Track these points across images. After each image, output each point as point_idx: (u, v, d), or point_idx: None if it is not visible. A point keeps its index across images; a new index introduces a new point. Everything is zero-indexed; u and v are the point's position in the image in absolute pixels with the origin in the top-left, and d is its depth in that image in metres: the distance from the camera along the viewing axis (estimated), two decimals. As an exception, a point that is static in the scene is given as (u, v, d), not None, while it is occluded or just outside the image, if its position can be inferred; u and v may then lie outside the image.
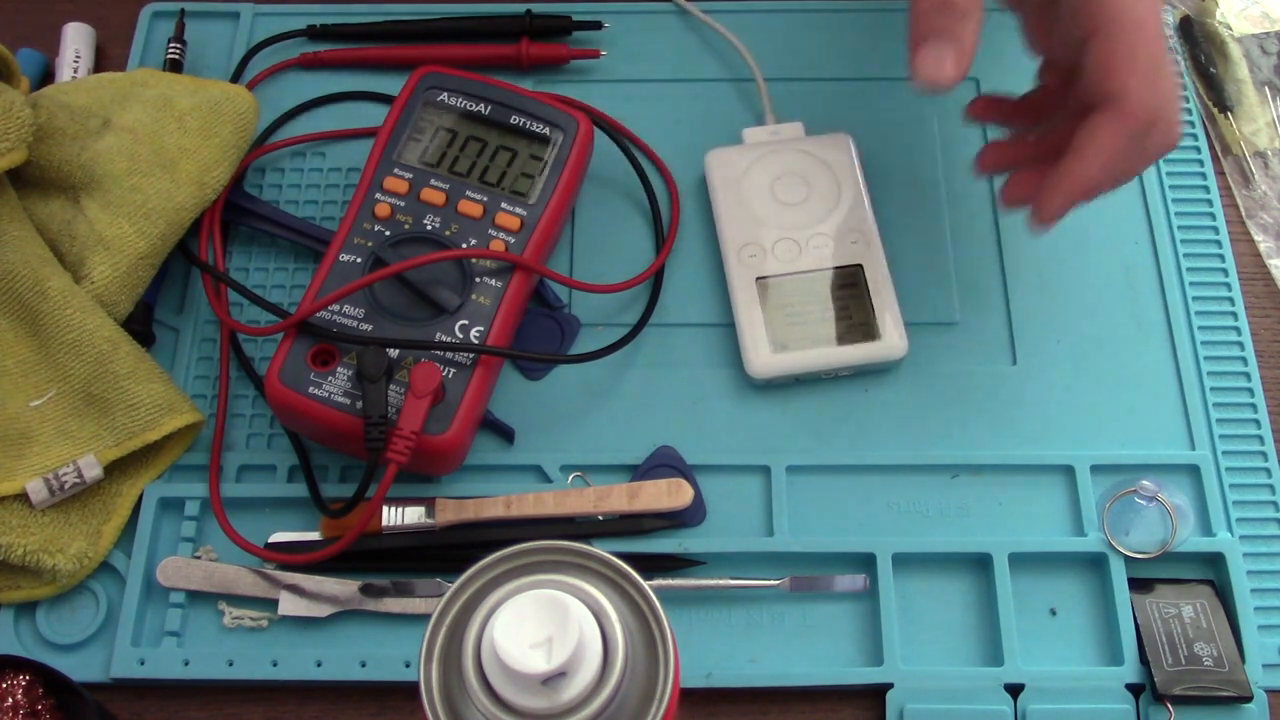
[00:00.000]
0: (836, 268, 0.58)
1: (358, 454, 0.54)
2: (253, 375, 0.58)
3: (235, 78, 0.65)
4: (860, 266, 0.58)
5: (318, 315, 0.53)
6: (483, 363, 0.53)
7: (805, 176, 0.60)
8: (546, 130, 0.58)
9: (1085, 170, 0.48)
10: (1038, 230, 0.51)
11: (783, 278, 0.58)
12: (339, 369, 0.52)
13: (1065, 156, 0.49)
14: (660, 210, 0.62)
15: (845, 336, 0.57)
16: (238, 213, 0.61)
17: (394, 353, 0.52)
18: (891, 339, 0.57)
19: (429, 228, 0.55)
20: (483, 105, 0.58)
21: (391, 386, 0.52)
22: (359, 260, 0.54)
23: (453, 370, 0.52)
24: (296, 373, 0.52)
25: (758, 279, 0.58)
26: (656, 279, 0.60)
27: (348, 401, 0.52)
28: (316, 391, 0.52)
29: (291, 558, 0.53)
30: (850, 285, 0.58)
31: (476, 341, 0.53)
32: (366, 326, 0.53)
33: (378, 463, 0.51)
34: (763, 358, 0.57)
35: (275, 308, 0.56)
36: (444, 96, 0.58)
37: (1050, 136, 0.53)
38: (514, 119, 0.58)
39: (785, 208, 0.60)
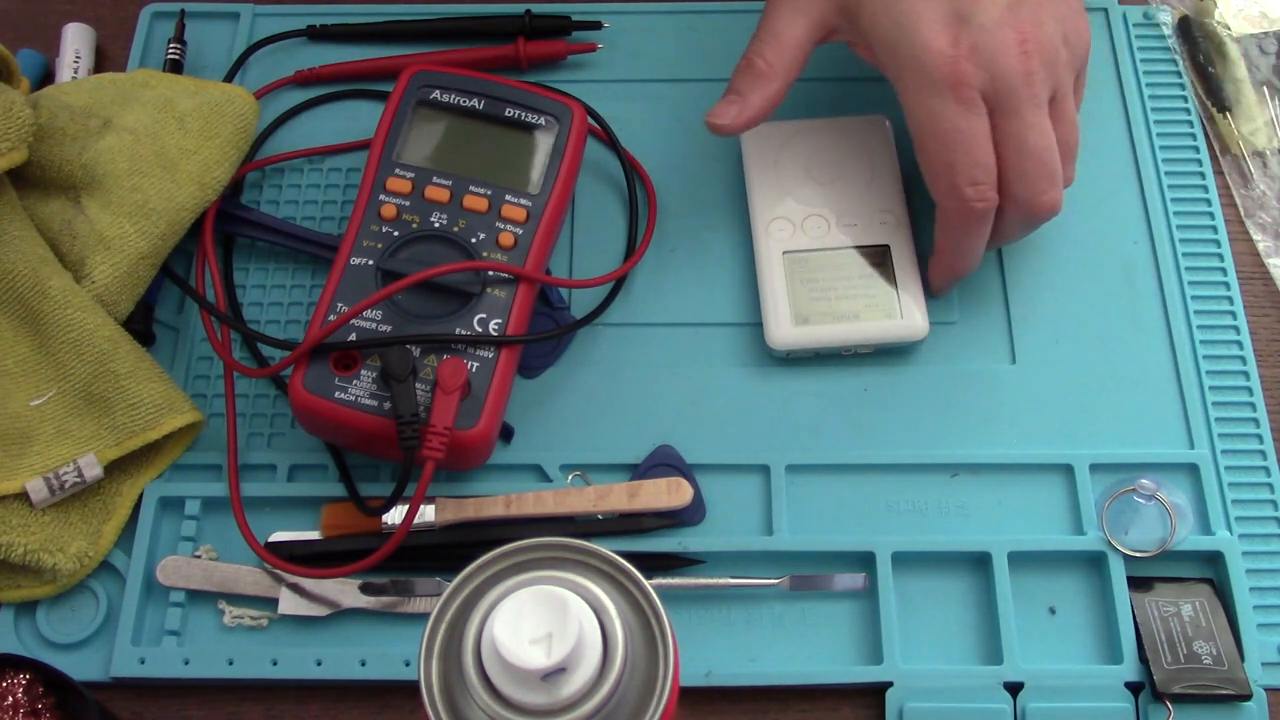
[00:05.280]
0: (864, 246, 0.59)
1: (387, 455, 0.54)
2: (250, 373, 0.57)
3: (231, 75, 0.65)
4: (888, 246, 0.58)
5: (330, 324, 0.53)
6: (505, 354, 0.53)
7: (841, 155, 0.61)
8: (542, 120, 0.58)
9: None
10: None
11: (809, 253, 0.58)
12: (362, 371, 0.52)
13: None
14: (657, 202, 0.62)
15: (867, 313, 0.57)
16: (238, 224, 0.61)
17: (415, 350, 0.52)
18: (913, 318, 0.57)
19: (436, 225, 0.55)
20: (476, 100, 0.58)
21: (416, 385, 0.52)
22: (370, 263, 0.54)
23: (475, 364, 0.53)
24: (320, 379, 0.52)
25: (784, 252, 0.58)
26: (618, 283, 0.60)
27: (375, 403, 0.52)
28: (343, 396, 0.52)
29: (336, 571, 0.52)
30: (876, 264, 0.58)
31: (496, 334, 0.53)
32: (385, 327, 0.53)
33: (414, 462, 0.51)
34: (784, 329, 0.57)
35: (283, 343, 0.56)
36: (436, 94, 0.58)
37: None
38: (508, 111, 0.58)
39: (818, 184, 0.60)
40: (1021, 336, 0.59)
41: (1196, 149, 0.64)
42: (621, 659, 0.35)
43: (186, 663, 0.52)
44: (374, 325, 0.53)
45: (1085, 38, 0.54)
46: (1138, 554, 0.54)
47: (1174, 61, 0.66)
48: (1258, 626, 0.53)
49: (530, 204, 0.56)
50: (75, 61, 0.66)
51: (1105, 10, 0.68)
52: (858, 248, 0.59)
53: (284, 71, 0.66)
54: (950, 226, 0.55)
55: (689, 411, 0.57)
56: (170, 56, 0.65)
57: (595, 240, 0.61)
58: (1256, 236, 0.63)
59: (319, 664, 0.52)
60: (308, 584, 0.53)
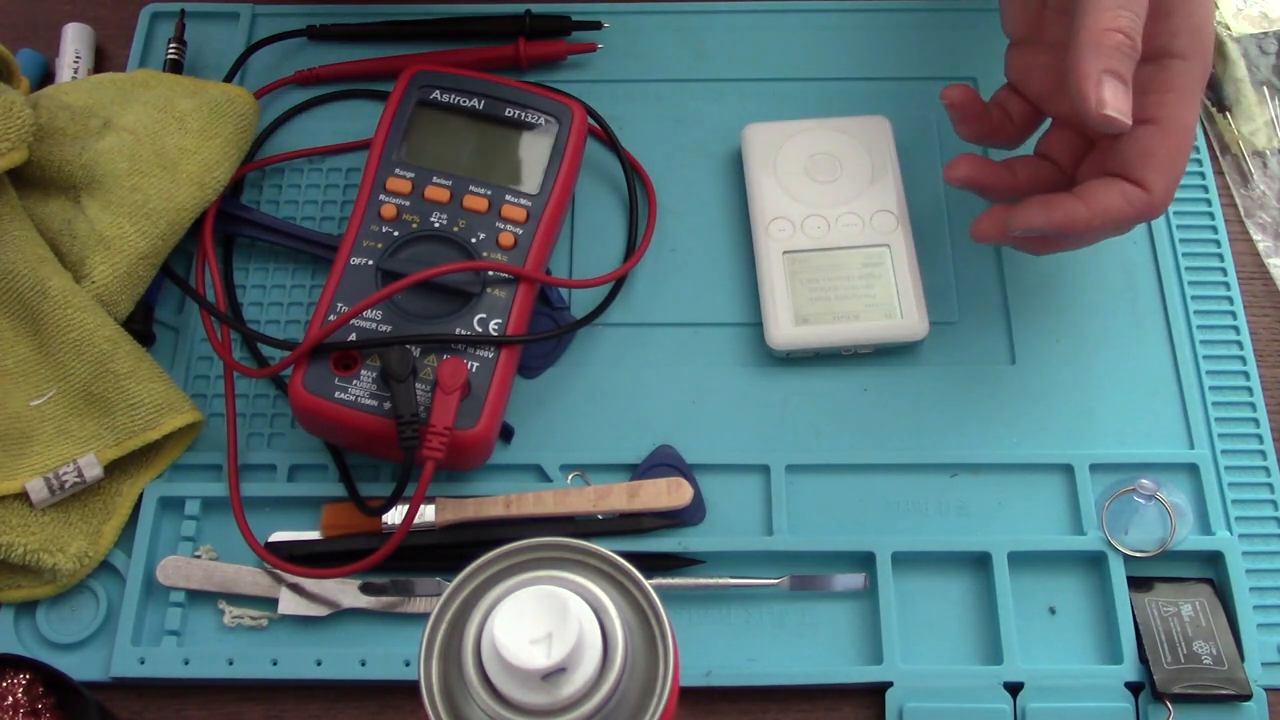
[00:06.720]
0: (864, 246, 0.59)
1: (387, 455, 0.54)
2: (250, 373, 0.57)
3: (231, 74, 0.65)
4: (888, 246, 0.59)
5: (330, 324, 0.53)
6: (505, 354, 0.53)
7: (841, 155, 0.61)
8: (542, 120, 0.58)
9: (1080, 214, 0.50)
10: (977, 238, 0.53)
11: (810, 253, 0.58)
12: (362, 371, 0.52)
13: (1066, 194, 0.51)
14: (657, 202, 0.62)
15: (867, 313, 0.57)
16: (238, 224, 0.61)
17: (415, 350, 0.52)
18: (913, 318, 0.57)
19: (436, 225, 0.55)
20: (476, 100, 0.58)
21: (416, 385, 0.52)
22: (370, 263, 0.54)
23: (475, 364, 0.53)
24: (320, 379, 0.52)
25: (784, 252, 0.59)
26: (618, 283, 0.60)
27: (375, 403, 0.52)
28: (343, 396, 0.52)
29: (336, 571, 0.52)
30: (876, 264, 0.58)
31: (496, 334, 0.53)
32: (385, 327, 0.53)
33: (414, 462, 0.51)
34: (784, 330, 0.57)
35: (283, 343, 0.56)
36: (436, 94, 0.58)
37: (1025, 172, 0.55)
38: (508, 111, 0.58)
39: (818, 184, 0.60)
40: (1021, 336, 0.59)
41: (1196, 149, 0.64)
42: (621, 659, 0.35)
43: (186, 663, 0.52)
44: (374, 325, 0.53)
45: None
46: (1138, 554, 0.54)
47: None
48: (1258, 626, 0.53)
49: (530, 204, 0.56)
50: (75, 61, 0.66)
51: (1105, 10, 0.67)
52: (858, 248, 0.59)
53: (284, 71, 0.66)
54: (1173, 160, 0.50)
55: (689, 411, 0.57)
56: (170, 56, 0.65)
57: (595, 240, 0.61)
58: (1256, 236, 0.63)
59: (319, 664, 0.52)
60: (308, 584, 0.53)
